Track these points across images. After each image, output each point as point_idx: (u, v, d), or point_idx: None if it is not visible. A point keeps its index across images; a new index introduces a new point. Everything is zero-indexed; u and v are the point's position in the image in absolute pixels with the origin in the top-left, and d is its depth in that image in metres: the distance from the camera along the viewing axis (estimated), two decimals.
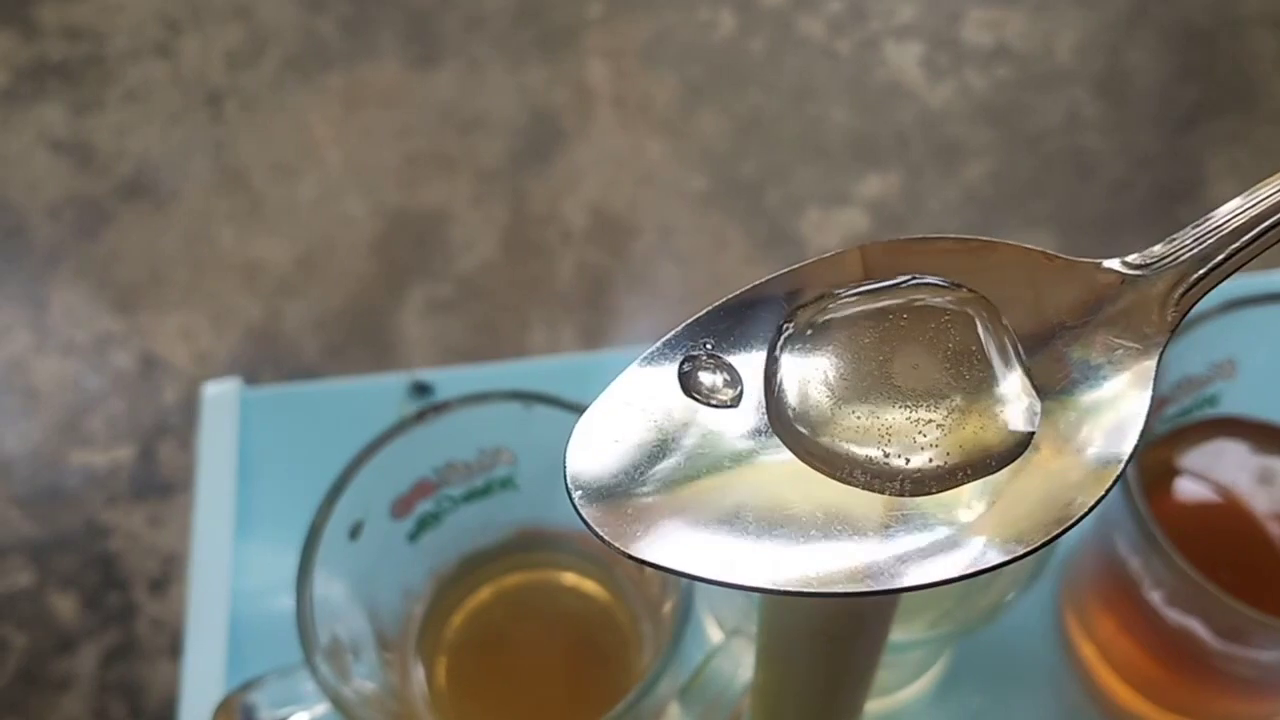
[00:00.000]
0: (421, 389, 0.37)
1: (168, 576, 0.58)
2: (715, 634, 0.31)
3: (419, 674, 0.31)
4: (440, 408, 0.28)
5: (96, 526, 0.59)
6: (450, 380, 0.39)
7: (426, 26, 0.75)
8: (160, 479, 0.60)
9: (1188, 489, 0.31)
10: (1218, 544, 0.30)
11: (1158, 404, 0.29)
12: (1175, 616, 0.28)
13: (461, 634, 0.31)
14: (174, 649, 0.55)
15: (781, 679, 0.22)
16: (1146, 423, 0.15)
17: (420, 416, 0.28)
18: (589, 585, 0.32)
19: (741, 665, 0.27)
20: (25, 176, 0.70)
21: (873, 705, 0.32)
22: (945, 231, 0.62)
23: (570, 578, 0.32)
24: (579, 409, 0.28)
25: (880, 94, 0.72)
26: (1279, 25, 0.75)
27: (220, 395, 0.38)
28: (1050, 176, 0.70)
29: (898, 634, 0.25)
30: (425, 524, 0.30)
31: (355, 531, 0.28)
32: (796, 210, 0.68)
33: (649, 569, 0.15)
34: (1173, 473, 0.31)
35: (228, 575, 0.35)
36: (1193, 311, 0.27)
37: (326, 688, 0.26)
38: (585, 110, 0.72)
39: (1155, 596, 0.28)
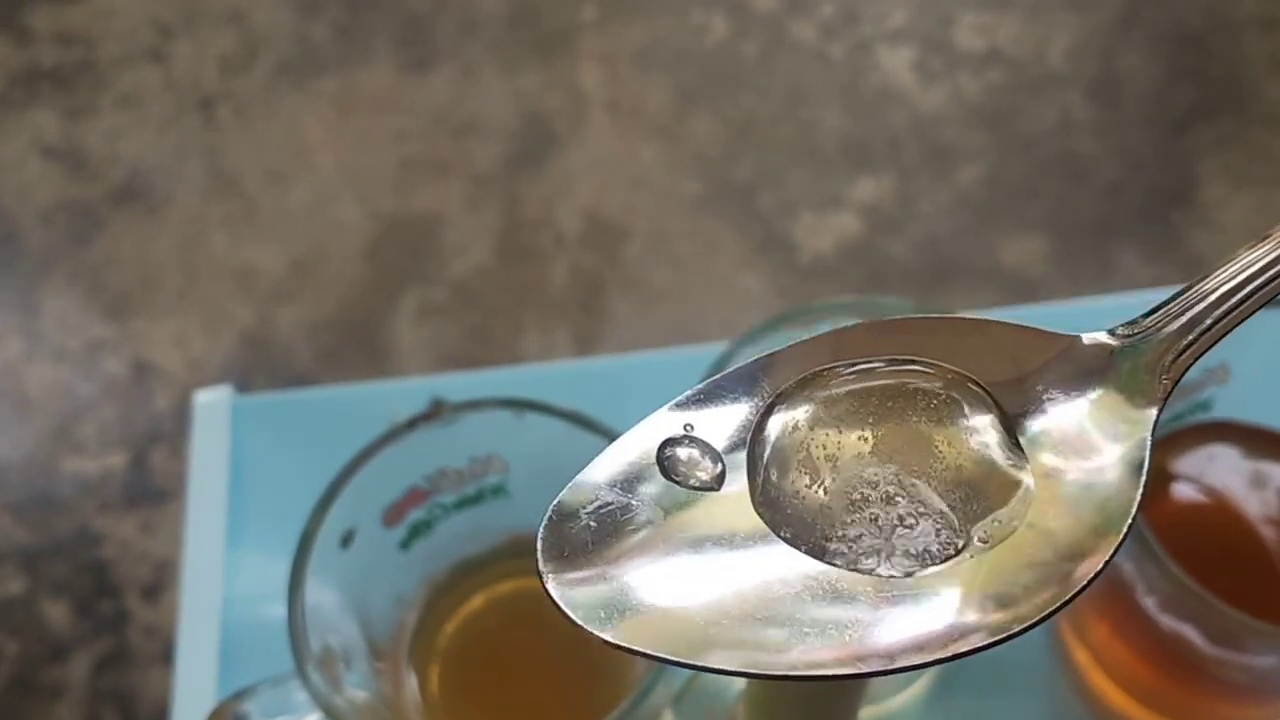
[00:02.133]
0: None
1: (160, 584, 0.57)
2: None
3: (411, 682, 0.30)
4: (431, 415, 0.28)
5: (88, 534, 0.59)
6: (444, 387, 0.39)
7: (420, 31, 0.75)
8: (153, 486, 0.60)
9: (1181, 494, 0.31)
10: (1211, 549, 0.30)
11: None
12: (1169, 622, 0.28)
13: (454, 642, 0.31)
14: (167, 656, 0.55)
15: (774, 687, 0.22)
16: (1143, 494, 0.15)
17: (412, 424, 0.28)
18: None
19: None
20: (17, 182, 0.70)
21: (865, 712, 0.32)
22: (938, 235, 0.62)
23: None
24: (570, 416, 0.29)
25: (872, 98, 0.72)
26: (1271, 28, 0.75)
27: (212, 403, 0.38)
28: (1043, 180, 0.70)
29: None
30: (417, 532, 0.30)
31: (347, 540, 0.28)
32: (790, 214, 0.68)
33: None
34: (1166, 478, 0.31)
35: (219, 583, 0.35)
36: None
37: (318, 697, 0.25)
38: (578, 115, 0.72)
39: (1149, 602, 0.28)
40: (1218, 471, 0.30)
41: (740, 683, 0.27)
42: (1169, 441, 0.30)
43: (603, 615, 0.15)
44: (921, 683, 0.32)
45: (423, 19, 0.76)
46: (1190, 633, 0.27)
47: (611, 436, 0.28)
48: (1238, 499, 0.30)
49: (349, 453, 0.28)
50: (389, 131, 0.71)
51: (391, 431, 0.28)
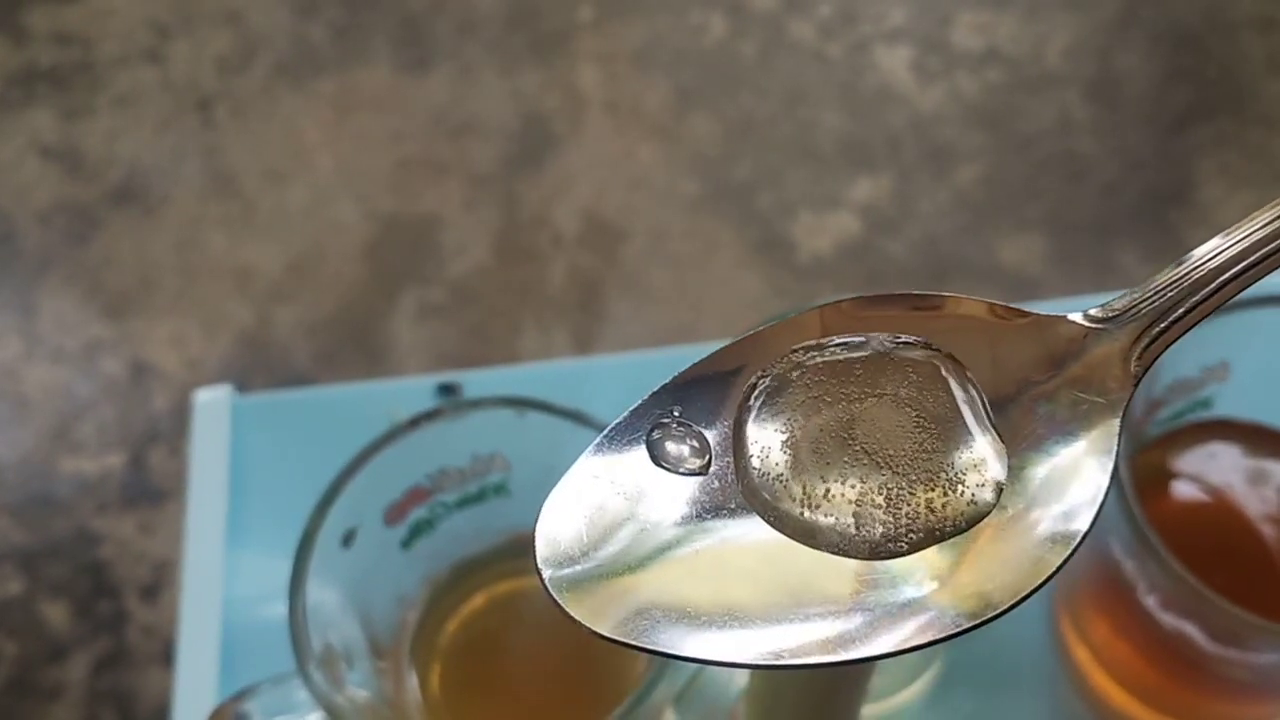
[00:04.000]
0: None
1: (159, 584, 0.57)
2: None
3: (413, 681, 0.30)
4: (433, 414, 0.28)
5: (87, 534, 0.59)
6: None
7: (418, 31, 0.75)
8: (151, 486, 0.60)
9: (1182, 492, 0.31)
10: (1212, 547, 0.30)
11: (1151, 406, 0.29)
12: (1170, 620, 0.28)
13: (456, 641, 0.31)
14: (165, 657, 0.55)
15: (775, 685, 0.22)
16: (1111, 479, 0.15)
17: (413, 423, 0.28)
18: None
19: (737, 671, 0.27)
20: (14, 183, 0.70)
21: (867, 710, 0.32)
22: (936, 234, 0.62)
23: None
24: (572, 415, 0.28)
25: (871, 97, 0.72)
26: (1268, 28, 0.75)
27: (211, 402, 0.38)
28: (1042, 179, 0.70)
29: None
30: (419, 531, 0.30)
31: (348, 539, 0.28)
32: (788, 213, 0.68)
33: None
34: (1167, 475, 0.31)
35: (220, 583, 0.35)
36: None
37: (320, 696, 0.25)
38: (577, 115, 0.72)
39: (1150, 600, 0.28)
40: (1218, 469, 0.30)
41: (741, 682, 0.27)
42: (1169, 439, 0.30)
43: (600, 611, 0.15)
44: (923, 680, 0.32)
45: (421, 19, 0.76)
46: (1191, 630, 0.27)
47: None
48: (1238, 496, 0.30)
49: (349, 452, 0.28)
50: (387, 132, 0.71)
51: (393, 430, 0.28)
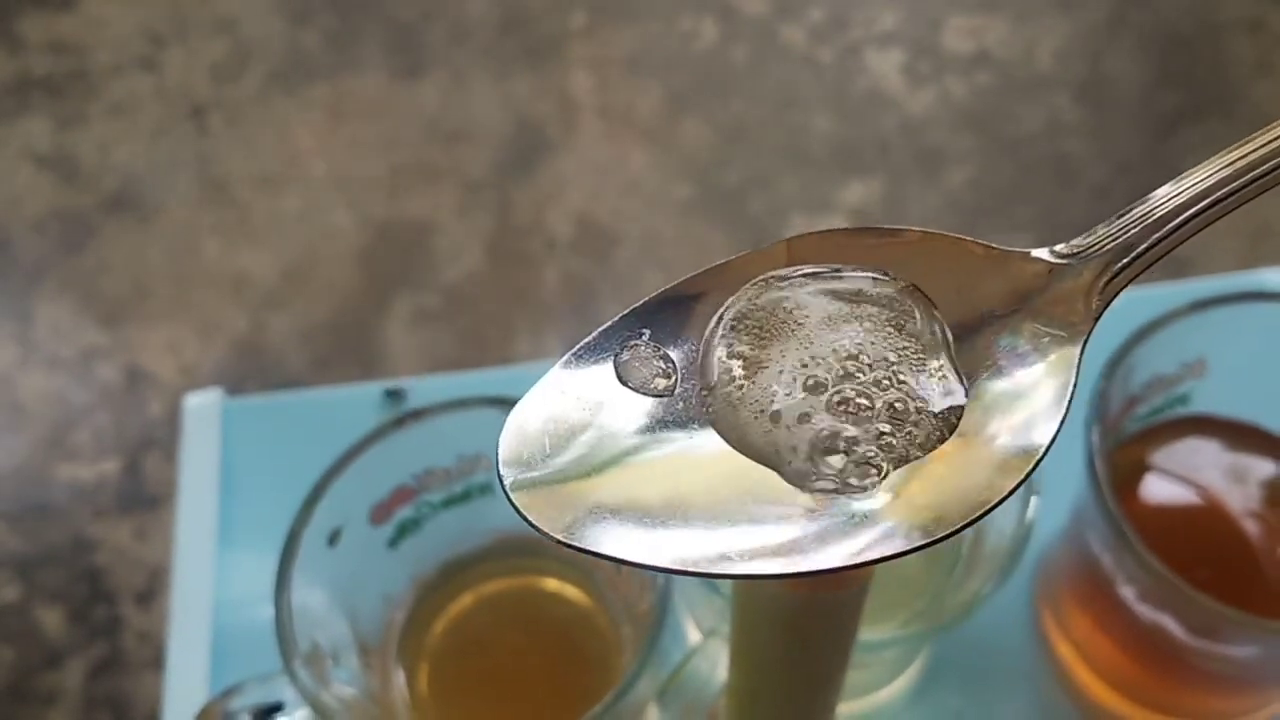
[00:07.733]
0: (395, 395, 0.38)
1: (154, 589, 0.58)
2: (694, 635, 0.32)
3: (400, 680, 0.31)
4: (419, 414, 0.29)
5: (83, 540, 0.59)
6: (437, 388, 0.39)
7: (411, 38, 0.76)
8: (146, 492, 0.60)
9: (1159, 487, 0.31)
10: (1189, 541, 0.30)
11: (1129, 403, 0.30)
12: (1148, 613, 0.28)
13: (443, 640, 0.32)
14: (160, 662, 0.55)
15: (753, 679, 0.22)
16: (1068, 410, 0.15)
17: (399, 423, 0.29)
18: (570, 590, 0.32)
19: (719, 666, 0.27)
20: (9, 191, 0.70)
21: (850, 706, 0.32)
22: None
23: (551, 583, 0.32)
24: None
25: (862, 101, 0.73)
26: (1257, 31, 0.75)
27: (202, 406, 0.38)
28: (1032, 182, 0.70)
29: (871, 633, 0.26)
30: (405, 530, 0.30)
31: (334, 538, 0.28)
32: (780, 217, 0.69)
33: (626, 568, 0.15)
34: (1144, 471, 0.31)
35: (210, 586, 0.35)
36: (1164, 311, 0.28)
37: (306, 694, 0.26)
38: (569, 120, 0.72)
39: (1128, 594, 0.28)
40: (1196, 465, 0.30)
41: (724, 675, 0.27)
42: (1147, 435, 0.30)
43: (559, 519, 0.15)
44: (906, 675, 0.32)
45: (413, 26, 0.76)
46: (1169, 623, 0.28)
47: None
48: (1215, 492, 0.30)
49: (338, 454, 0.28)
50: (380, 138, 0.72)
51: (378, 430, 0.28)
